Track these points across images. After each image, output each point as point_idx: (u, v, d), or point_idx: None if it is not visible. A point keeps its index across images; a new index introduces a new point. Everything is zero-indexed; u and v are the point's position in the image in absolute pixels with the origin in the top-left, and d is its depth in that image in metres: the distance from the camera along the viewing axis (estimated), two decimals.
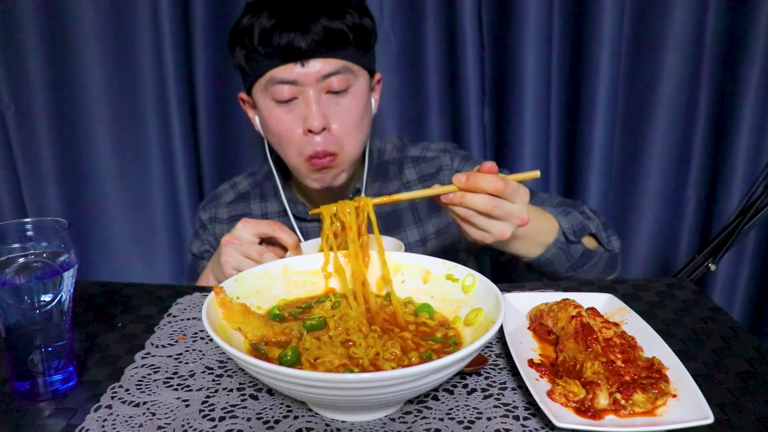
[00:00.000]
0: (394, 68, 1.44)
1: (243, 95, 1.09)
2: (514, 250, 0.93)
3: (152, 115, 1.48)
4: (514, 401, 0.59)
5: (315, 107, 0.98)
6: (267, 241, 0.92)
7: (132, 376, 0.65)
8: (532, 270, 1.08)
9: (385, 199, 0.78)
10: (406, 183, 1.16)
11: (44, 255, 0.59)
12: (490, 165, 0.78)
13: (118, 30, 1.42)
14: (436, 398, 0.59)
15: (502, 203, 0.77)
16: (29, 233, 0.64)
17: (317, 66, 0.96)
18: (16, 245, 0.58)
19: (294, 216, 1.16)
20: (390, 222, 1.14)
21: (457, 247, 1.18)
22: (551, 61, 1.40)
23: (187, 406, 0.59)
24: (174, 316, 0.79)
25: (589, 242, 1.01)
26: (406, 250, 0.88)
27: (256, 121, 1.09)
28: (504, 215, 0.78)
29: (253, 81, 1.02)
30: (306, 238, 1.14)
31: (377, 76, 1.09)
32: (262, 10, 0.97)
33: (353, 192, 1.14)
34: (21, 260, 0.58)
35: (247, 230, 0.90)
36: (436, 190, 0.79)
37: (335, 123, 1.00)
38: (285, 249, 0.91)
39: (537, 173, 0.80)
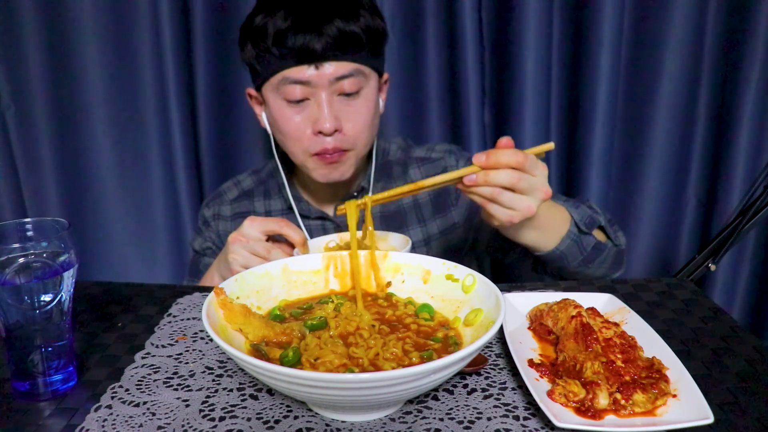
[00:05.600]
0: (394, 68, 1.44)
1: (251, 91, 1.09)
2: (530, 242, 0.92)
3: (152, 115, 1.48)
4: (514, 401, 0.59)
5: (327, 110, 0.98)
6: (274, 238, 0.92)
7: (132, 376, 0.65)
8: (539, 268, 1.08)
9: (404, 189, 0.80)
10: (410, 183, 1.16)
11: (44, 255, 0.59)
12: (506, 140, 0.78)
13: (118, 30, 1.42)
14: (436, 398, 0.59)
15: (525, 176, 0.77)
16: (29, 233, 0.63)
17: (331, 68, 0.96)
18: (16, 245, 0.58)
19: (298, 213, 1.16)
20: (393, 222, 1.14)
21: (460, 247, 1.18)
22: (551, 61, 1.40)
23: (187, 406, 0.59)
24: (174, 316, 0.79)
25: (598, 236, 1.01)
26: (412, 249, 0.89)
27: (263, 117, 1.09)
28: (528, 188, 0.78)
29: (264, 80, 1.01)
30: (311, 236, 1.14)
31: (385, 76, 1.09)
32: (277, 9, 0.96)
33: (358, 190, 1.14)
34: (21, 260, 0.58)
35: (254, 228, 0.90)
36: (457, 173, 0.79)
37: (347, 125, 1.01)
38: (292, 246, 0.91)
39: (551, 145, 0.80)
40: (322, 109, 0.98)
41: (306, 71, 0.96)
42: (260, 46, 0.98)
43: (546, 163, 1.51)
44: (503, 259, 1.17)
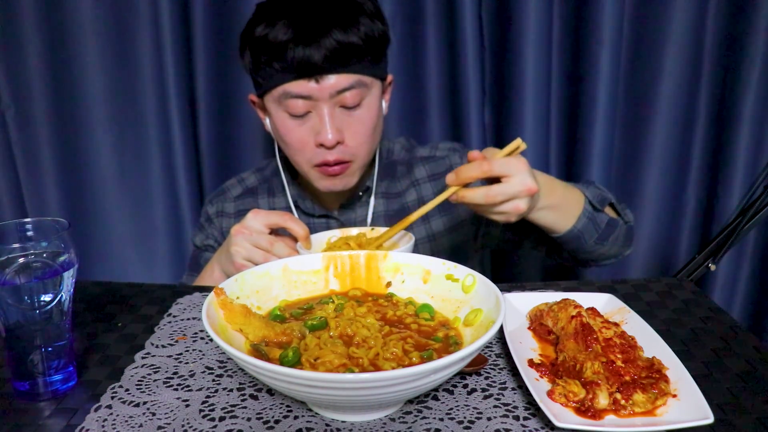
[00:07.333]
0: (394, 68, 1.44)
1: (253, 97, 1.09)
2: (549, 223, 0.93)
3: (152, 115, 1.48)
4: (514, 401, 0.59)
5: (329, 123, 0.98)
6: (277, 232, 0.92)
7: (132, 376, 0.65)
8: (555, 255, 1.07)
9: (397, 228, 0.91)
10: (415, 181, 1.17)
11: (44, 255, 0.59)
12: (475, 153, 0.82)
13: (118, 30, 1.42)
14: (436, 398, 0.59)
15: (497, 188, 0.79)
16: (29, 233, 0.64)
17: (331, 81, 0.96)
18: (16, 245, 0.58)
19: (302, 211, 1.16)
20: (397, 221, 1.14)
21: (469, 243, 1.17)
22: (551, 61, 1.40)
23: (187, 406, 0.59)
24: (174, 316, 0.79)
25: (609, 213, 1.02)
26: (414, 246, 0.90)
27: (267, 122, 1.09)
28: (504, 196, 0.79)
29: (265, 91, 1.01)
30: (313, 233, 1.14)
31: (389, 78, 1.09)
32: (276, 19, 0.95)
33: (363, 190, 1.14)
34: (21, 260, 0.58)
35: (257, 220, 0.90)
36: (438, 199, 0.85)
37: (348, 135, 1.01)
38: (295, 240, 0.91)
39: (519, 142, 0.85)
40: (323, 122, 0.98)
41: (307, 85, 0.95)
42: (260, 59, 0.97)
43: (546, 163, 1.51)
44: (517, 251, 1.17)
